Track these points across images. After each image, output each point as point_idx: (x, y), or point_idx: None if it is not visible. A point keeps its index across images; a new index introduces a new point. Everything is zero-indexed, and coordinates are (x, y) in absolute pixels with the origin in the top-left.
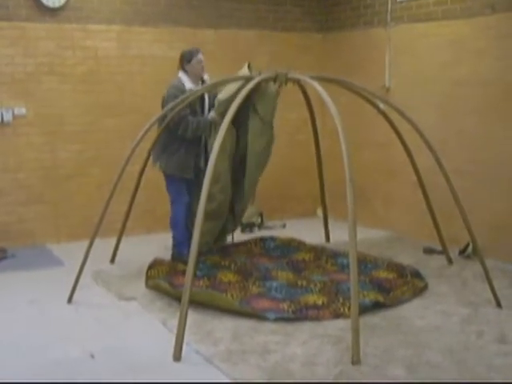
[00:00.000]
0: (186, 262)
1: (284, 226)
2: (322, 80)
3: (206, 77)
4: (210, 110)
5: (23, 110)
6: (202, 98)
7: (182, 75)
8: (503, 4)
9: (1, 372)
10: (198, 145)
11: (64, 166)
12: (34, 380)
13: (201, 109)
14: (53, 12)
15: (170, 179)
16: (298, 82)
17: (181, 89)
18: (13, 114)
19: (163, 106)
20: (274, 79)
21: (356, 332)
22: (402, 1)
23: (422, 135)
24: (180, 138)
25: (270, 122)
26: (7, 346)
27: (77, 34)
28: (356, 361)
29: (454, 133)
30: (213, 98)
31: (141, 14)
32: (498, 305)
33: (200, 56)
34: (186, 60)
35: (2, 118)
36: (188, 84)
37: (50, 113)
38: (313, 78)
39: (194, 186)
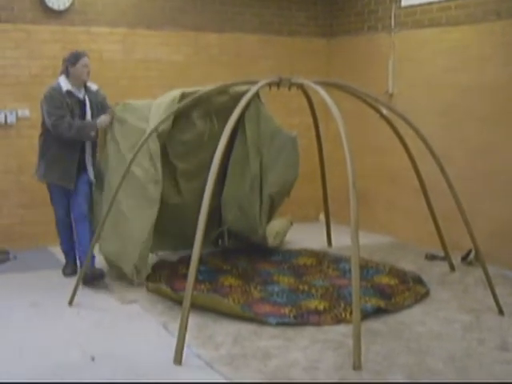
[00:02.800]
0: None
1: (291, 223)
2: (325, 85)
3: (91, 84)
4: (92, 116)
5: (27, 112)
6: (82, 102)
7: (61, 79)
8: (508, 10)
9: (1, 374)
10: (80, 152)
11: None
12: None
13: (81, 113)
14: (58, 15)
15: (48, 187)
16: (301, 87)
17: (59, 91)
18: (16, 115)
19: (42, 112)
20: (278, 84)
21: (357, 337)
22: (406, 6)
23: (425, 141)
24: (58, 140)
25: (257, 145)
26: (8, 348)
27: (81, 36)
28: (357, 366)
29: (456, 139)
30: (95, 104)
31: (145, 17)
32: (500, 312)
33: (86, 60)
34: (70, 62)
35: (6, 120)
36: (66, 86)
37: None
38: (316, 82)
39: (77, 195)
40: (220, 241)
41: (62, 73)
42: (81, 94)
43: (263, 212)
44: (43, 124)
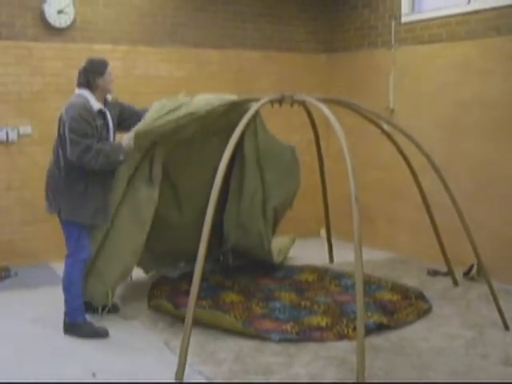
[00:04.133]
0: (82, 332)
1: (293, 241)
2: (327, 102)
3: (109, 96)
4: (114, 136)
5: (29, 129)
6: (107, 120)
7: (87, 94)
8: (508, 26)
9: None
10: (110, 180)
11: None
12: None
13: (106, 135)
14: (59, 32)
15: (72, 228)
16: (303, 104)
17: (90, 112)
18: (18, 133)
19: (61, 132)
20: (280, 101)
21: (361, 354)
22: (406, 22)
23: (427, 157)
24: (86, 172)
25: (256, 160)
26: (8, 364)
27: (83, 53)
28: (361, 382)
29: (458, 154)
30: (114, 119)
31: (146, 34)
32: (506, 327)
33: (110, 67)
34: (97, 72)
35: (8, 137)
36: (96, 105)
37: (55, 132)
38: (318, 99)
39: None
40: (221, 257)
41: (83, 85)
42: (106, 111)
43: (267, 226)
44: (60, 148)
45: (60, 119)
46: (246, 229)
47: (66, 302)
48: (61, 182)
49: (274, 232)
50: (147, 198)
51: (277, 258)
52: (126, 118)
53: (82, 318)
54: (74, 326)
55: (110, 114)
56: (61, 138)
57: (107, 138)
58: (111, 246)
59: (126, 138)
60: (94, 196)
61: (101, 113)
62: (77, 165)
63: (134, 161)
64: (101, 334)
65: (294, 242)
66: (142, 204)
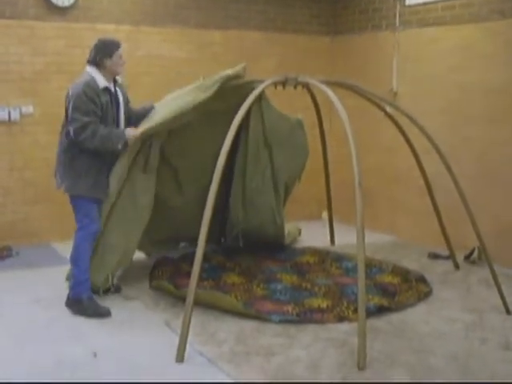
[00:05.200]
0: (83, 309)
1: (300, 232)
2: (331, 84)
3: (119, 77)
4: (125, 115)
5: (30, 109)
6: (116, 100)
7: (93, 72)
8: None
9: (3, 370)
10: (111, 162)
11: None
12: (36, 379)
13: (115, 113)
14: (62, 11)
15: (77, 201)
16: (306, 86)
17: (95, 89)
18: (20, 112)
19: (68, 109)
20: (284, 83)
21: (363, 337)
22: (410, 5)
23: (430, 140)
24: (86, 151)
25: (264, 137)
26: (10, 344)
27: (86, 33)
28: (362, 366)
29: (460, 137)
30: (125, 100)
31: (149, 14)
32: (508, 311)
33: (121, 49)
34: (106, 53)
35: (10, 117)
36: (102, 82)
37: (57, 112)
38: (322, 81)
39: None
40: (223, 238)
41: (91, 63)
42: (113, 90)
43: (279, 201)
44: (62, 127)
45: (66, 97)
46: (257, 206)
47: (73, 275)
48: (63, 157)
49: (284, 205)
50: (144, 187)
51: (286, 237)
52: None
53: (87, 295)
54: (77, 302)
55: (123, 95)
56: (65, 115)
57: (117, 116)
58: (111, 233)
59: (131, 132)
60: (93, 170)
61: (107, 90)
62: (73, 140)
63: (132, 152)
64: (102, 314)
65: (300, 233)
66: (139, 194)
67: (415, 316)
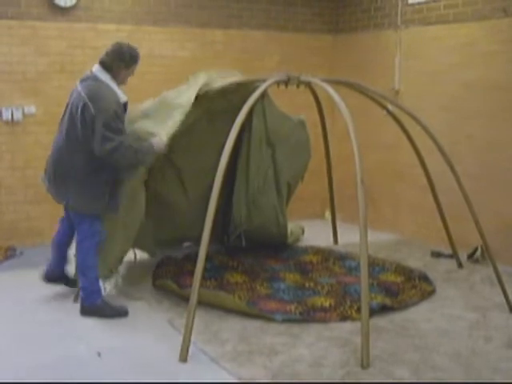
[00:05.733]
0: (102, 313)
1: (303, 232)
2: (333, 83)
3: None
4: None
5: (33, 109)
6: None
7: (108, 79)
8: None
9: (7, 369)
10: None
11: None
12: (40, 378)
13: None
14: (64, 11)
15: (86, 219)
16: (309, 85)
17: (120, 105)
18: (23, 112)
19: (82, 120)
20: (286, 82)
21: (366, 335)
22: (413, 3)
23: (433, 138)
24: (105, 165)
25: (266, 137)
26: (14, 344)
27: (88, 33)
28: (365, 364)
29: (463, 136)
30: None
31: (151, 13)
32: (511, 310)
33: (138, 63)
34: (125, 63)
35: (12, 117)
36: (122, 97)
37: (59, 112)
38: (324, 80)
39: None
40: (226, 238)
41: (104, 66)
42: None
43: (281, 201)
44: (78, 136)
45: (83, 106)
46: (260, 205)
47: (83, 287)
48: (73, 172)
49: (287, 204)
50: (140, 184)
51: (289, 237)
52: None
53: (101, 299)
54: (94, 309)
55: None
56: (76, 124)
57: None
58: (112, 231)
59: (157, 141)
60: (107, 190)
61: (124, 106)
62: (102, 159)
63: None
64: (121, 313)
65: (303, 232)
66: (137, 192)
67: (418, 315)
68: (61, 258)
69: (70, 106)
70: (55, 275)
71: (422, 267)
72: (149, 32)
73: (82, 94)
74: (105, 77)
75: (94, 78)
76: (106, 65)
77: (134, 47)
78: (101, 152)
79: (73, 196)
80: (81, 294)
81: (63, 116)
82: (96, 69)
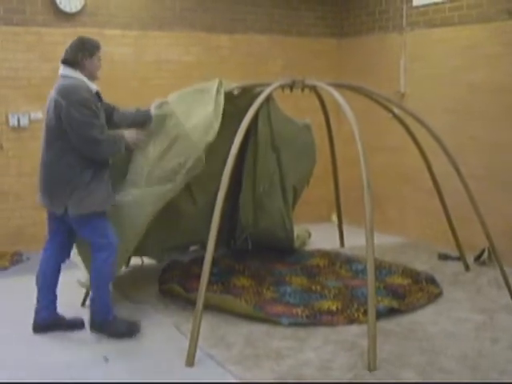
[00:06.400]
0: (113, 331)
1: (309, 235)
2: (338, 86)
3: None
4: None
5: (39, 115)
6: (101, 102)
7: (78, 74)
8: None
9: (13, 373)
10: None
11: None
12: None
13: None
14: (69, 17)
15: (90, 221)
16: (313, 89)
17: (90, 93)
18: (29, 118)
19: (56, 121)
20: (291, 86)
21: (373, 339)
22: (417, 6)
23: (438, 140)
24: (89, 161)
25: (272, 141)
26: (21, 348)
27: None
28: (373, 368)
29: (468, 138)
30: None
31: (157, 18)
32: None
33: (101, 52)
34: (87, 52)
35: (19, 123)
36: (92, 86)
37: None
38: (329, 84)
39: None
40: (232, 242)
41: (68, 63)
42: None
43: (287, 205)
44: (57, 139)
45: (54, 105)
46: (266, 210)
47: (96, 300)
48: (64, 177)
49: (293, 208)
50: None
51: (295, 241)
52: (107, 117)
53: (113, 315)
54: (105, 325)
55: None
56: (53, 128)
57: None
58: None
59: (132, 133)
60: (100, 183)
61: (97, 95)
62: (84, 152)
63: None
64: (133, 331)
65: (310, 235)
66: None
67: (425, 317)
68: (50, 295)
69: (45, 117)
70: (49, 321)
71: (428, 270)
72: (154, 37)
73: (53, 95)
74: (71, 72)
75: (62, 77)
76: (69, 61)
77: (93, 38)
78: (84, 141)
79: (69, 198)
80: (92, 307)
81: (44, 132)
82: (61, 69)
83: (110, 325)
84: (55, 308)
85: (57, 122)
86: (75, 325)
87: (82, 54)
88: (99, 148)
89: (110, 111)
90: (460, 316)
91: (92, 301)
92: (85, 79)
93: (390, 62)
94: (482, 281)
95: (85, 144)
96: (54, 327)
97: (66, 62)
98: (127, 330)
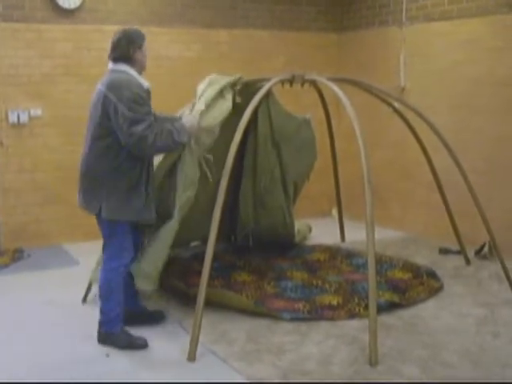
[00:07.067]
0: (119, 344)
1: (310, 229)
2: (338, 81)
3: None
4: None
5: (39, 112)
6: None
7: (128, 69)
8: None
9: (16, 370)
10: (152, 172)
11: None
12: (46, 378)
13: None
14: (69, 13)
15: (115, 228)
16: (313, 83)
17: (141, 88)
18: (29, 115)
19: (103, 118)
20: (291, 81)
21: (374, 333)
22: (417, 0)
23: (439, 135)
24: (135, 163)
25: (272, 137)
26: (23, 345)
27: (93, 35)
28: (374, 362)
29: (469, 132)
30: None
31: (156, 14)
32: None
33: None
34: (136, 44)
35: (19, 120)
36: (144, 82)
37: (65, 114)
38: (329, 79)
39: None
40: (233, 238)
41: (119, 60)
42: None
43: (288, 201)
44: (102, 137)
45: (103, 100)
46: (267, 206)
47: (103, 311)
48: (103, 176)
49: (293, 203)
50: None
51: (296, 236)
52: None
53: (120, 327)
54: (111, 337)
55: None
56: (100, 125)
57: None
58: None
59: (189, 120)
60: (141, 191)
61: (148, 91)
62: (133, 151)
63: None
64: (139, 345)
65: (310, 230)
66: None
67: (426, 311)
68: (128, 289)
69: (90, 112)
70: (129, 313)
71: (429, 264)
72: (154, 33)
73: (101, 89)
74: (122, 67)
75: (112, 71)
76: (119, 57)
77: (136, 28)
78: (131, 138)
79: (105, 199)
80: (99, 317)
81: (87, 129)
82: (110, 65)
83: (116, 338)
84: (136, 301)
85: (103, 119)
86: (156, 317)
87: (132, 47)
88: (147, 145)
89: None
90: (461, 310)
91: (100, 311)
92: (135, 74)
93: (391, 57)
94: (483, 275)
95: (132, 141)
96: (135, 319)
97: (117, 58)
98: (132, 346)
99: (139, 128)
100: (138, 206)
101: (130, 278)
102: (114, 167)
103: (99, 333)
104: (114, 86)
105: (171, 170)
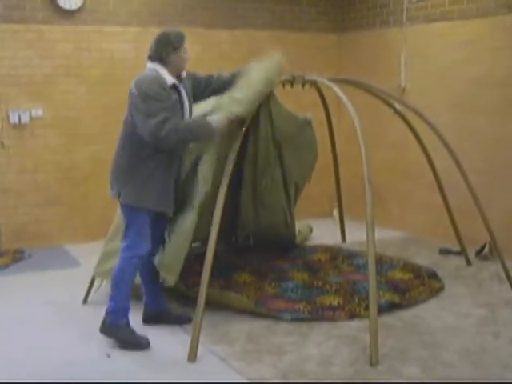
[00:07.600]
0: (122, 338)
1: (311, 230)
2: (338, 81)
3: (183, 73)
4: (190, 114)
5: (40, 112)
6: (181, 98)
7: (157, 67)
8: None
9: (16, 371)
10: (178, 165)
11: (81, 168)
12: (48, 379)
13: (181, 113)
14: (69, 14)
15: (134, 214)
16: (314, 84)
17: (164, 86)
18: (30, 115)
19: (133, 109)
20: (291, 82)
21: (374, 334)
22: (417, 0)
23: (440, 136)
24: (154, 152)
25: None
26: (23, 346)
27: (93, 36)
28: (375, 362)
29: (469, 133)
30: (189, 97)
31: (157, 15)
32: None
33: (186, 42)
34: (172, 47)
35: (20, 120)
36: (169, 79)
37: (66, 114)
38: (330, 79)
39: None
40: (234, 239)
41: (154, 59)
42: (180, 87)
43: (290, 201)
44: (127, 126)
45: (130, 96)
46: (268, 207)
47: (113, 298)
48: (124, 163)
49: (294, 204)
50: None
51: (297, 236)
52: (203, 89)
53: (125, 321)
54: (114, 328)
55: (186, 92)
56: (128, 119)
57: (182, 117)
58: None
59: (219, 118)
60: (159, 179)
61: (175, 88)
62: (150, 142)
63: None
64: (141, 345)
65: (311, 231)
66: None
67: (427, 312)
68: (154, 289)
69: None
70: (155, 313)
71: (430, 264)
72: (155, 34)
73: (131, 85)
74: (153, 65)
75: (146, 70)
76: (153, 56)
77: (177, 30)
78: (144, 130)
79: (122, 184)
80: (107, 306)
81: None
82: (148, 64)
83: (120, 330)
84: (161, 302)
85: (130, 111)
86: (182, 319)
87: (165, 50)
88: (159, 139)
89: (206, 82)
90: (462, 310)
91: (109, 298)
92: (162, 71)
93: (391, 57)
94: (484, 275)
95: (146, 133)
96: (161, 320)
97: (152, 57)
98: (135, 343)
99: (152, 122)
100: (154, 194)
101: (155, 277)
102: (133, 154)
103: (103, 323)
104: (138, 82)
105: (196, 164)
